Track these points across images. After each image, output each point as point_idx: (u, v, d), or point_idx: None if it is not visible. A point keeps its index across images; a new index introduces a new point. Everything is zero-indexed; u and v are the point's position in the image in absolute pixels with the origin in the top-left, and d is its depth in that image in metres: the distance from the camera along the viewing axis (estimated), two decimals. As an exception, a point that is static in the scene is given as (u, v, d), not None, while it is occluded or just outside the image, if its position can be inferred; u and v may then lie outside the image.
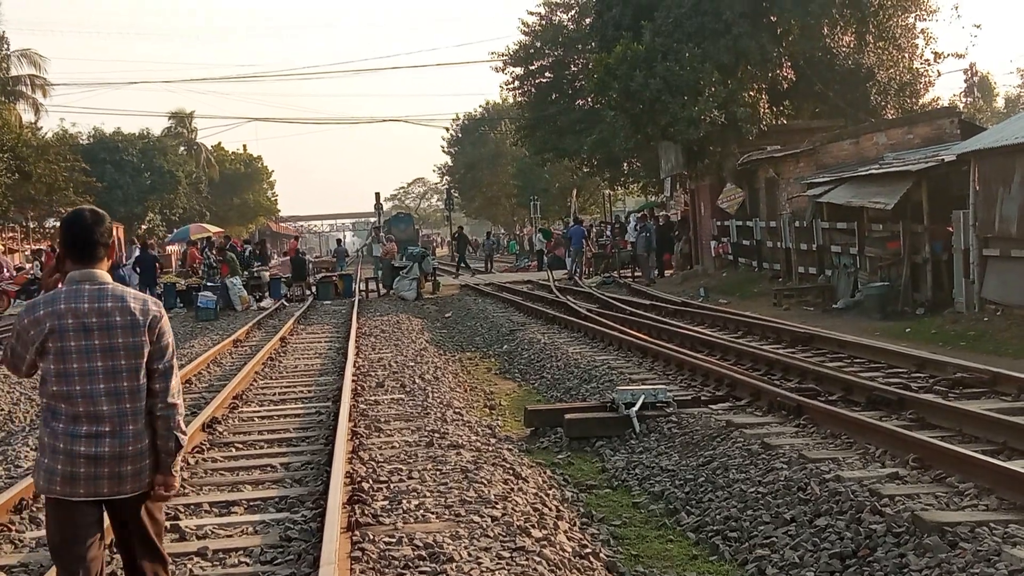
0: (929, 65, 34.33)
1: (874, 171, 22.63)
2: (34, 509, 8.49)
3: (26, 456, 10.92)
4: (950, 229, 19.73)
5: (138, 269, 31.66)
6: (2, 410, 14.97)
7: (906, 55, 33.47)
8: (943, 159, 20.18)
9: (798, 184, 27.55)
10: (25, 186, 52.78)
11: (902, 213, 21.00)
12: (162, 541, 5.11)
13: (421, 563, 6.55)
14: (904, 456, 8.63)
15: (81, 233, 4.91)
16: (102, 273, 4.91)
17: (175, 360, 4.97)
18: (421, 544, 6.89)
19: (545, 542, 7.09)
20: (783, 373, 13.45)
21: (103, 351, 4.75)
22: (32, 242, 55.55)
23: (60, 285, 4.95)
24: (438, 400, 13.09)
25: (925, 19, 33.85)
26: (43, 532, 7.83)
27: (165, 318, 4.97)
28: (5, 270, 32.70)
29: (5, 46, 56.20)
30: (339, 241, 57.64)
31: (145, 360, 4.82)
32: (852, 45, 32.42)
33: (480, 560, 6.59)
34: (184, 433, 5.00)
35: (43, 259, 36.25)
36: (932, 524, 6.80)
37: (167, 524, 7.73)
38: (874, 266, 22.43)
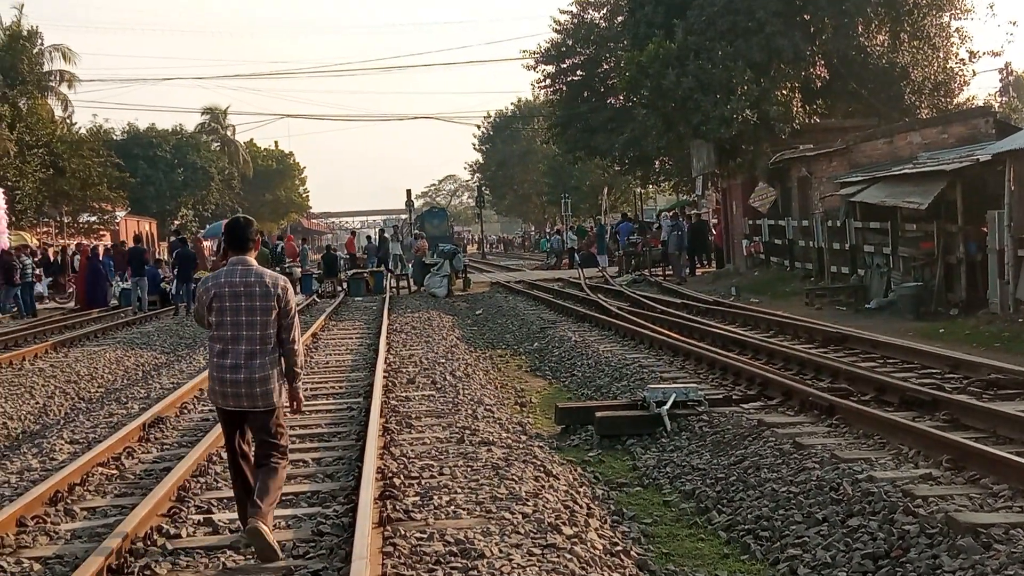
0: (964, 64, 34.06)
1: (908, 171, 22.49)
2: (68, 501, 8.56)
3: (60, 449, 11.03)
4: (984, 229, 19.57)
5: (176, 266, 31.32)
6: (37, 403, 15.10)
7: (941, 54, 33.21)
8: (978, 159, 20.01)
9: (831, 183, 27.41)
10: (59, 181, 53.20)
11: (936, 213, 20.86)
12: (285, 438, 7.41)
13: (452, 559, 6.57)
14: (937, 457, 8.58)
15: (238, 232, 7.34)
16: (250, 259, 7.28)
17: (297, 318, 7.38)
18: (452, 540, 6.91)
19: (576, 539, 7.10)
20: (815, 373, 13.40)
21: (246, 309, 7.11)
22: (67, 237, 55.96)
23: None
24: (469, 397, 13.11)
25: (960, 17, 33.61)
26: (77, 524, 7.97)
27: (290, 290, 7.34)
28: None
29: (40, 41, 56.55)
30: (369, 238, 57.51)
31: (273, 317, 7.15)
32: (886, 44, 32.22)
33: (511, 556, 6.60)
34: (303, 367, 7.78)
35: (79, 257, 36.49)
36: (966, 525, 6.75)
37: (200, 518, 7.94)
38: (907, 266, 22.30)
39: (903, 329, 18.78)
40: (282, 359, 7.25)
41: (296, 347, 7.27)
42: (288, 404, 7.38)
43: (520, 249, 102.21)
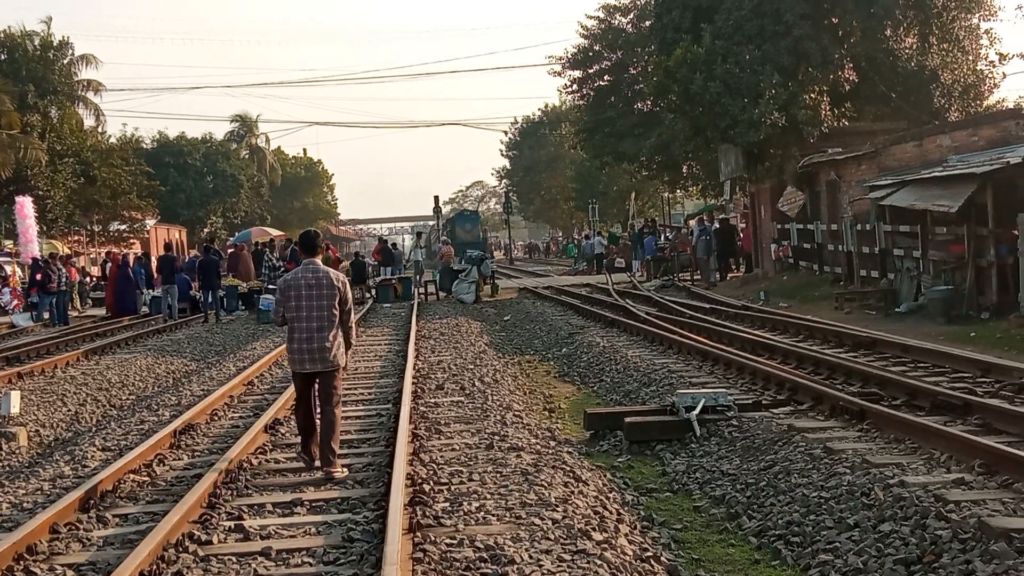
0: (994, 67, 33.80)
1: (938, 174, 22.34)
2: (101, 508, 8.62)
3: (92, 456, 11.10)
4: (1015, 232, 19.42)
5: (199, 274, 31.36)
6: (69, 410, 15.20)
7: (970, 56, 32.99)
8: (1008, 161, 19.86)
9: (860, 187, 27.27)
10: (89, 190, 53.63)
11: (966, 216, 20.70)
12: (340, 389, 10.16)
13: (482, 565, 6.57)
14: (970, 461, 8.54)
15: (310, 241, 9.96)
16: (318, 261, 9.82)
17: (352, 303, 9.90)
18: (482, 546, 6.92)
19: (606, 545, 7.09)
20: (845, 377, 13.34)
21: (316, 298, 9.58)
22: (97, 246, 56.33)
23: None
24: (498, 403, 13.11)
25: (989, 19, 33.39)
26: (109, 531, 8.06)
27: (346, 282, 9.86)
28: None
29: (71, 52, 57.02)
30: (394, 245, 56.22)
31: (336, 303, 9.61)
32: (915, 46, 32.02)
33: (541, 562, 6.59)
34: (354, 339, 10.37)
35: (109, 264, 36.72)
36: (999, 530, 6.70)
37: (232, 524, 7.97)
38: (938, 269, 22.15)
39: (933, 333, 18.67)
40: (341, 333, 9.75)
41: (352, 325, 9.92)
42: (340, 368, 9.90)
43: (545, 255, 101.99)
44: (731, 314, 23.07)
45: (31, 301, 32.18)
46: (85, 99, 58.55)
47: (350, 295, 9.82)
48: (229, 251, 37.92)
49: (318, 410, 9.93)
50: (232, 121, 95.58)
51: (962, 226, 20.98)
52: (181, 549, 7.33)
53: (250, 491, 9.07)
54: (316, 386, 9.84)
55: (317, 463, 9.71)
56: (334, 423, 9.73)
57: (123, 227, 59.67)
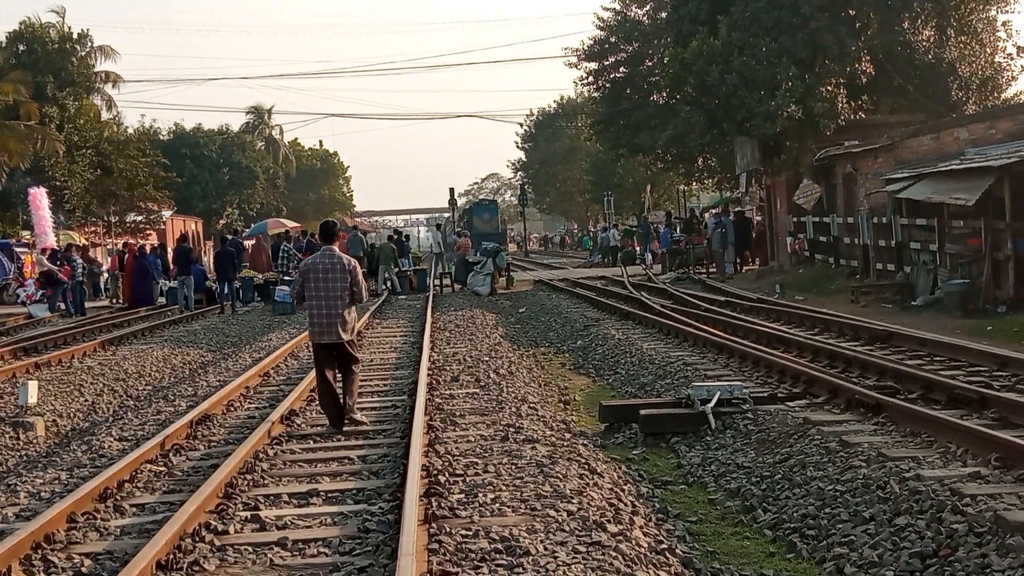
0: (1011, 59, 33.68)
1: (955, 167, 22.24)
2: (118, 498, 8.65)
3: (110, 446, 11.15)
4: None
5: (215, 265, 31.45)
6: (87, 401, 15.28)
7: (988, 49, 32.86)
8: (1026, 154, 19.78)
9: (876, 180, 27.17)
10: (106, 182, 53.81)
11: (983, 209, 20.61)
12: (358, 353, 11.98)
13: (498, 556, 6.59)
14: (986, 455, 8.50)
15: (329, 230, 11.60)
16: (335, 248, 11.39)
17: (362, 281, 11.45)
18: (497, 537, 6.93)
19: (621, 537, 7.09)
20: (861, 371, 13.30)
21: (332, 280, 11.09)
22: (114, 236, 56.51)
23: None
24: (513, 395, 13.12)
25: (1006, 12, 33.29)
26: (126, 521, 8.09)
27: (357, 266, 11.46)
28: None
29: (89, 44, 57.15)
30: (407, 237, 55.20)
31: (348, 284, 11.11)
32: (932, 39, 31.90)
33: (556, 554, 6.61)
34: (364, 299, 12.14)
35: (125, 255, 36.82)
36: (1015, 524, 6.69)
37: (248, 514, 8.00)
38: (954, 263, 22.07)
39: (950, 326, 18.60)
40: (353, 302, 11.34)
41: (361, 294, 11.43)
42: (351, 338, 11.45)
43: (560, 247, 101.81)
44: (746, 307, 23.03)
45: (43, 293, 32.30)
46: (102, 91, 58.66)
47: (360, 276, 11.41)
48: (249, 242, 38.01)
49: (339, 381, 11.36)
50: (248, 113, 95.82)
51: (979, 219, 20.89)
52: (198, 539, 7.36)
53: (266, 481, 9.11)
54: (336, 356, 11.29)
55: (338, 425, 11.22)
56: (354, 381, 11.46)
57: (139, 218, 59.81)
